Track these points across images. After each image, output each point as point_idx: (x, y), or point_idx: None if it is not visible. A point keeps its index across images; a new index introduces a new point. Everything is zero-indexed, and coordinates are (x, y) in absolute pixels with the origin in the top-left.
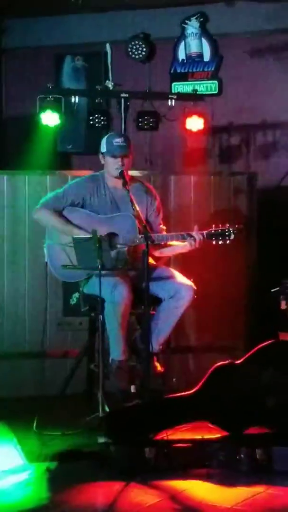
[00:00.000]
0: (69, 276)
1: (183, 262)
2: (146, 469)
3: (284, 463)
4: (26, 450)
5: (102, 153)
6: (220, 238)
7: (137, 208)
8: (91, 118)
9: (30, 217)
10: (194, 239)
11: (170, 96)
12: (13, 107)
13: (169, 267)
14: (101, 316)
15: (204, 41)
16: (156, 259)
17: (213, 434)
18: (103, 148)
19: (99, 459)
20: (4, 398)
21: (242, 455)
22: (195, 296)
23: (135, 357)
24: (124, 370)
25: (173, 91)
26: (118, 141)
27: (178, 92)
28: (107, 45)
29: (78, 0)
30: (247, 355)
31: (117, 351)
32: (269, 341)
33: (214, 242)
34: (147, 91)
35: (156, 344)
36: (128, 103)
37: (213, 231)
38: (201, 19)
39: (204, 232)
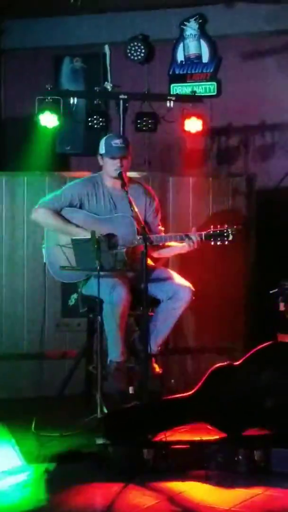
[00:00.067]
0: (67, 277)
1: (182, 263)
2: (144, 470)
3: (283, 464)
4: (25, 451)
5: (101, 155)
6: (219, 239)
7: (136, 209)
8: (89, 119)
9: (29, 218)
10: (193, 240)
11: (168, 97)
12: (11, 108)
13: (167, 268)
14: (99, 317)
15: (203, 42)
16: (155, 260)
17: (211, 435)
18: (102, 149)
19: (97, 460)
20: (2, 399)
21: (240, 457)
22: (194, 298)
23: (133, 358)
24: (123, 372)
25: (171, 93)
26: (116, 142)
27: (177, 94)
28: (106, 47)
29: (77, 1)
30: (245, 357)
31: (115, 352)
32: (268, 343)
33: (212, 243)
34: (146, 92)
35: (155, 345)
36: (127, 105)
37: (211, 232)
38: (200, 21)
39: (203, 233)
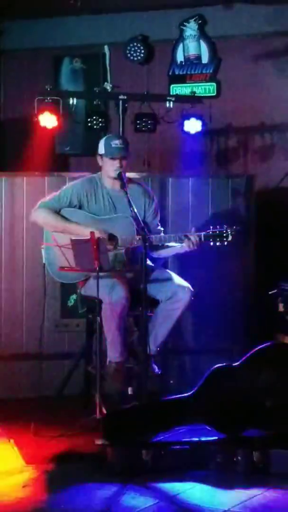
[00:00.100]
0: (66, 277)
1: (181, 264)
2: (143, 471)
3: (281, 465)
4: (24, 451)
5: (100, 155)
6: (218, 239)
7: (135, 210)
8: (89, 120)
9: (28, 218)
10: (192, 241)
11: (168, 98)
12: (11, 108)
13: (167, 269)
14: (98, 318)
15: (202, 43)
16: (154, 260)
17: (210, 436)
18: (101, 150)
19: (96, 461)
20: (1, 399)
21: (239, 457)
22: (193, 298)
23: (132, 359)
24: (122, 372)
25: (171, 93)
26: (116, 143)
27: (176, 94)
28: (106, 47)
29: (77, 2)
30: (244, 358)
31: (114, 353)
32: (267, 344)
33: (211, 244)
34: (145, 93)
35: (154, 346)
36: (126, 105)
37: (210, 233)
38: (200, 22)
39: (202, 234)
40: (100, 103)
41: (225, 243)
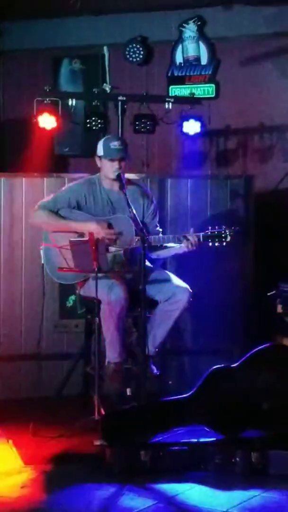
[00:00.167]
0: (65, 278)
1: (180, 265)
2: (142, 471)
3: (280, 466)
4: (22, 452)
5: (99, 157)
6: (217, 240)
7: (134, 211)
8: (88, 121)
9: (27, 219)
10: (190, 241)
11: (167, 99)
12: (10, 109)
13: (165, 269)
14: (97, 319)
15: (201, 44)
16: (152, 261)
17: (209, 437)
18: (100, 151)
19: (95, 462)
20: (0, 399)
21: (237, 459)
22: (191, 299)
23: (131, 359)
24: (120, 373)
25: (170, 94)
26: (115, 144)
27: (175, 95)
28: (105, 48)
29: (77, 3)
30: (243, 359)
31: (113, 353)
32: (265, 345)
33: (210, 244)
34: (144, 94)
35: (152, 346)
36: (125, 106)
37: (209, 233)
38: (199, 23)
39: (201, 234)
40: (99, 104)
41: (224, 243)
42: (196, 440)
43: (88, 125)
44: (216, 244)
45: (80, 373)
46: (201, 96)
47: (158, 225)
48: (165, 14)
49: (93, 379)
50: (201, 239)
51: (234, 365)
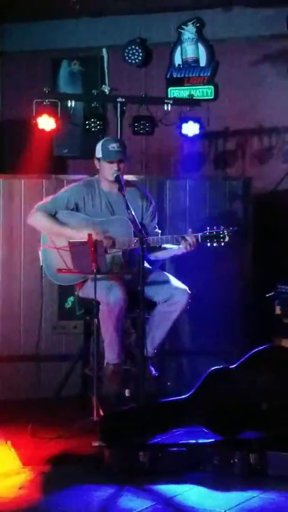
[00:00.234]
0: (64, 279)
1: (178, 266)
2: (140, 473)
3: (278, 467)
4: (21, 453)
5: (98, 158)
6: (215, 240)
7: (132, 212)
8: (87, 122)
9: (26, 220)
10: (189, 242)
11: (166, 101)
12: (9, 111)
13: (164, 271)
14: (96, 320)
15: (200, 46)
16: (151, 262)
17: (207, 438)
18: (99, 153)
19: (93, 463)
20: None
21: (236, 460)
22: (190, 301)
23: (130, 361)
24: (119, 374)
25: (169, 96)
26: (113, 146)
27: (174, 97)
28: (104, 50)
29: (76, 5)
30: (241, 360)
31: (112, 354)
32: (264, 346)
33: (208, 244)
34: (143, 95)
35: (151, 348)
36: (124, 108)
37: (207, 233)
38: (198, 25)
39: (199, 235)
40: (98, 105)
41: (222, 243)
42: (194, 441)
43: (87, 127)
44: (215, 244)
45: (78, 374)
46: (200, 98)
47: (156, 226)
48: (164, 16)
49: (91, 380)
50: (200, 240)
51: (232, 366)
